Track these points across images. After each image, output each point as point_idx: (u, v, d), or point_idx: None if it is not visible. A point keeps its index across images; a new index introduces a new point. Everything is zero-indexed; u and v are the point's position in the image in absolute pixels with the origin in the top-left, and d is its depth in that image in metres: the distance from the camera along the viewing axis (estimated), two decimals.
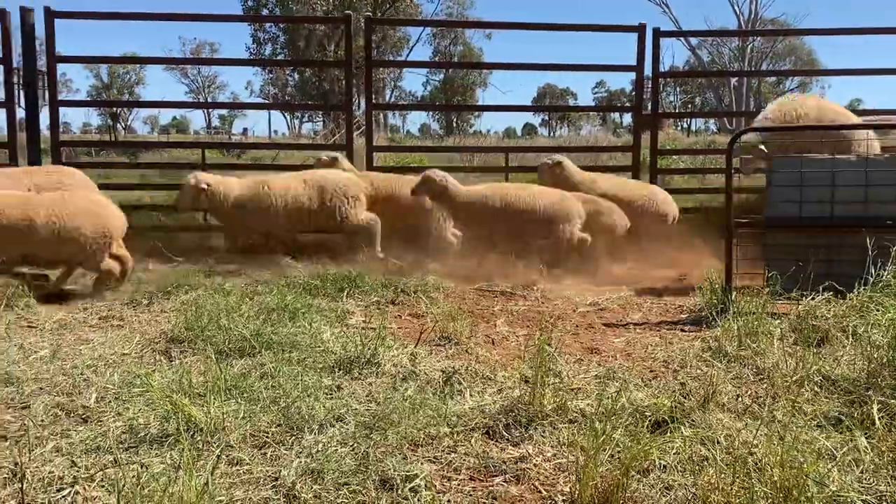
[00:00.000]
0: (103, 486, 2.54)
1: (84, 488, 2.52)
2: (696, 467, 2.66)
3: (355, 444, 2.90)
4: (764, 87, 51.70)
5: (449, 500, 2.55)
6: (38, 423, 3.13)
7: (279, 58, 40.62)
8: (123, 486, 2.37)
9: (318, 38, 37.67)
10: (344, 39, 9.43)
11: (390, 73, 45.15)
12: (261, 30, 40.31)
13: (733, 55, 46.65)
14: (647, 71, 9.00)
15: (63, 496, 2.47)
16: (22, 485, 2.47)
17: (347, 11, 9.14)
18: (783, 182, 5.59)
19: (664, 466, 2.68)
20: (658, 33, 8.93)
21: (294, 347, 4.17)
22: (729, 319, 4.61)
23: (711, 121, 48.27)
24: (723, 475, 2.48)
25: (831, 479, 2.44)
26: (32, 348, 4.25)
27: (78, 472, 2.63)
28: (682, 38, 37.83)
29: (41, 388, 3.58)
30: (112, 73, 59.01)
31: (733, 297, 5.00)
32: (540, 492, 2.63)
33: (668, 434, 2.90)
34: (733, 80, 43.06)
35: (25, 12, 8.11)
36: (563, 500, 2.56)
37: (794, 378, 3.60)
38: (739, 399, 3.43)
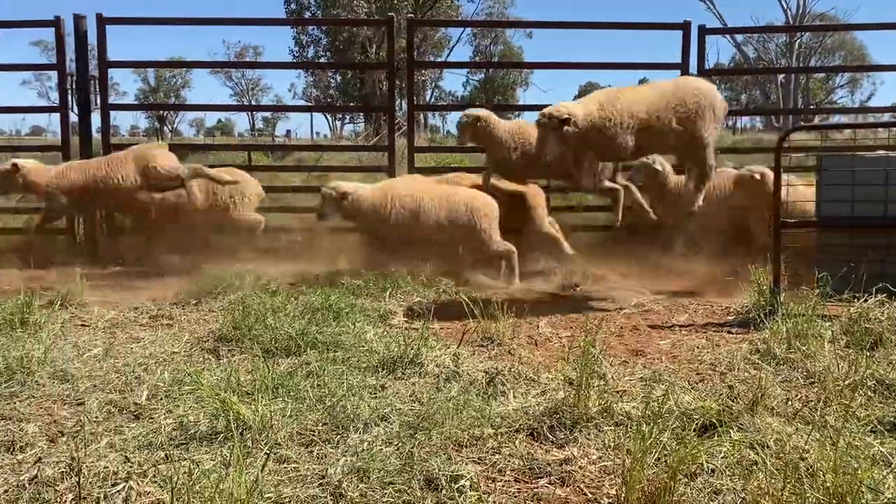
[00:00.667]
0: (156, 482, 2.60)
1: (137, 483, 2.58)
2: (746, 472, 2.62)
3: (400, 444, 2.92)
4: (813, 83, 50.58)
5: (494, 501, 2.56)
6: (93, 420, 3.22)
7: (322, 60, 41.03)
8: (176, 482, 2.42)
9: (360, 41, 37.95)
10: (386, 41, 9.47)
11: (430, 73, 45.28)
12: (303, 33, 40.80)
13: (780, 51, 45.71)
14: (692, 69, 8.86)
15: (117, 491, 2.54)
16: (79, 479, 2.55)
17: (389, 13, 9.20)
18: (834, 181, 5.46)
19: (712, 470, 2.65)
20: (703, 30, 8.78)
21: (338, 347, 4.23)
22: (777, 321, 4.52)
23: (758, 118, 47.43)
24: (773, 480, 2.44)
25: (886, 485, 2.38)
26: (86, 346, 4.37)
27: (131, 467, 2.69)
28: (727, 35, 37.21)
29: (95, 386, 3.68)
30: (159, 76, 60.31)
31: (781, 298, 4.90)
32: (585, 494, 2.62)
33: (716, 438, 2.87)
34: (780, 77, 42.20)
35: (78, 19, 8.33)
36: (609, 503, 2.55)
37: (846, 382, 3.51)
38: (789, 403, 3.37)
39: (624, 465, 2.57)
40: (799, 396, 3.51)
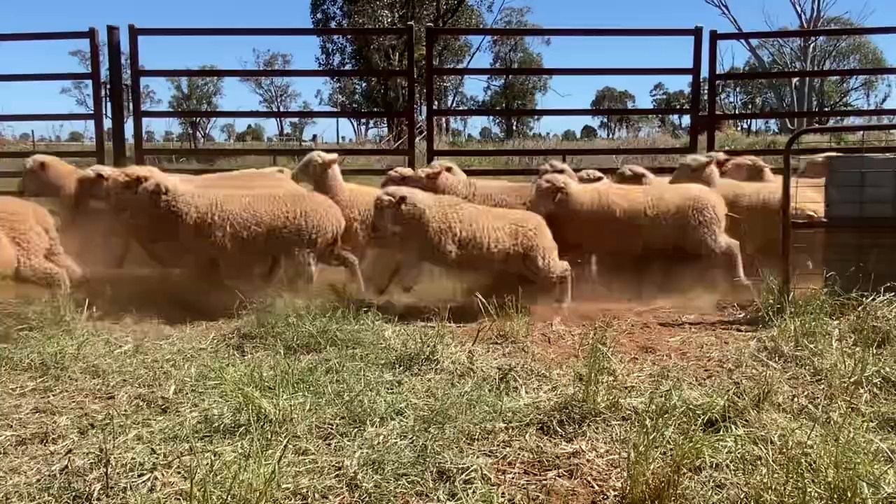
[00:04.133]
0: (179, 473, 2.64)
1: (162, 474, 2.62)
2: (749, 466, 2.61)
3: (414, 437, 2.93)
4: (827, 85, 49.85)
5: (504, 493, 2.56)
6: (122, 413, 3.27)
7: (346, 67, 41.21)
8: (198, 473, 2.45)
9: (383, 49, 38.05)
10: (407, 49, 9.50)
11: (452, 79, 45.26)
12: (329, 41, 41.00)
13: (795, 54, 45.09)
14: (705, 73, 8.80)
15: (143, 481, 2.58)
16: (107, 469, 2.59)
17: (410, 22, 9.22)
18: (843, 182, 5.39)
19: (716, 465, 2.63)
20: (715, 35, 8.71)
21: (357, 344, 4.25)
22: (786, 319, 4.48)
23: (772, 121, 46.86)
24: (776, 475, 2.42)
25: (887, 481, 2.35)
26: (117, 343, 4.43)
27: (157, 459, 2.74)
28: (741, 40, 36.80)
29: (125, 380, 3.73)
30: (191, 84, 60.92)
31: (791, 297, 4.85)
32: (592, 486, 2.62)
33: (721, 433, 2.85)
34: (795, 80, 41.63)
35: (111, 30, 8.45)
36: (615, 496, 2.54)
37: (852, 379, 3.47)
38: (795, 399, 3.34)
39: (630, 458, 2.56)
40: (805, 393, 3.47)
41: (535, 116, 58.90)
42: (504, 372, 3.75)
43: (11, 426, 3.14)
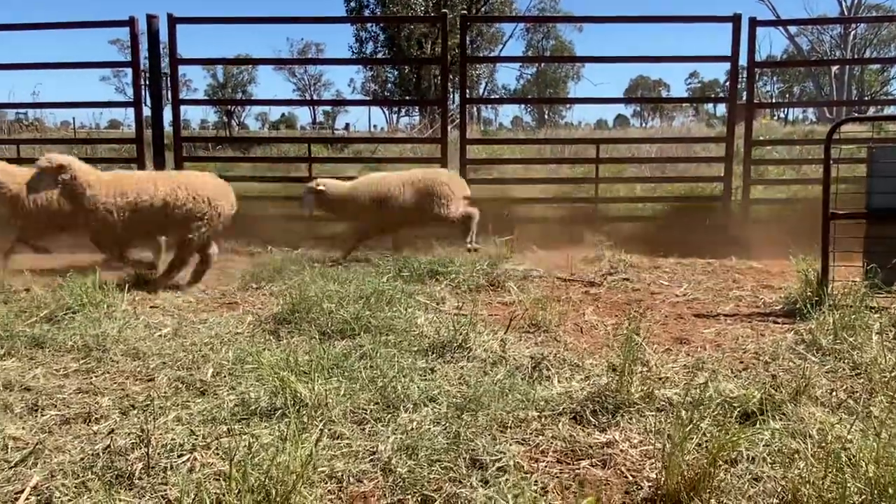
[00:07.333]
0: (218, 454, 2.68)
1: (201, 455, 2.67)
2: (787, 460, 2.56)
3: (447, 424, 2.94)
4: (868, 74, 48.66)
5: (536, 481, 2.55)
6: (162, 395, 3.33)
7: (379, 56, 41.21)
8: (236, 454, 2.49)
9: (416, 37, 37.94)
10: (440, 37, 9.45)
11: (484, 67, 45.04)
12: (363, 30, 40.98)
13: (835, 42, 44.04)
14: (743, 60, 8.62)
15: (183, 461, 2.63)
16: (148, 450, 2.64)
17: (443, 10, 9.17)
18: (885, 172, 5.25)
19: (753, 458, 2.60)
20: (754, 22, 8.53)
21: (391, 331, 4.26)
22: (824, 312, 4.39)
23: (810, 110, 45.91)
24: (814, 469, 2.38)
25: None
26: (157, 327, 4.51)
27: (196, 440, 2.78)
28: (780, 27, 36.04)
29: (164, 363, 3.80)
30: (227, 73, 61.55)
31: (829, 289, 4.75)
32: (626, 477, 2.60)
33: (758, 425, 2.81)
34: (834, 69, 40.69)
35: (150, 19, 8.55)
36: (649, 486, 2.52)
37: (893, 373, 3.39)
38: (834, 393, 3.27)
39: (664, 449, 2.54)
40: (844, 387, 3.40)
41: (568, 105, 58.41)
42: (536, 360, 3.74)
43: (56, 406, 3.22)
